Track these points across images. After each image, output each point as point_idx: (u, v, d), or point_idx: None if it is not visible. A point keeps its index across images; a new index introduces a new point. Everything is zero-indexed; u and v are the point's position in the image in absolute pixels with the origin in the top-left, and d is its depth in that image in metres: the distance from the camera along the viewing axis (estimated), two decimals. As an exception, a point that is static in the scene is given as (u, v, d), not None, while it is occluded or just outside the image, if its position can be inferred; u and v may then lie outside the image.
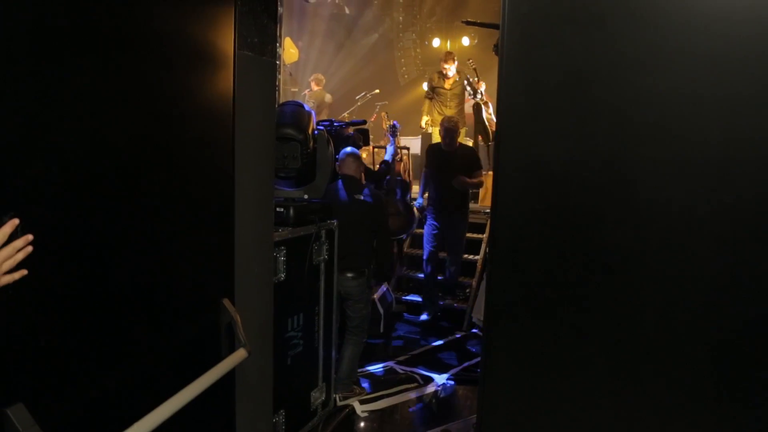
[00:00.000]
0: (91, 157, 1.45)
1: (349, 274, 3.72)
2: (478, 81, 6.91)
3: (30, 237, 1.17)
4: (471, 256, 5.81)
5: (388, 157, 5.33)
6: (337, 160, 3.86)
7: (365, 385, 4.06)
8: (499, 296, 1.83)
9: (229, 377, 2.06)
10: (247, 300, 2.23)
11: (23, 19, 1.25)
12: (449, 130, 5.27)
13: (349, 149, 3.96)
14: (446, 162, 5.25)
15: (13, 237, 1.15)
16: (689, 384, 1.63)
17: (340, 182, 3.80)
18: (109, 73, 1.49)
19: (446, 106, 7.13)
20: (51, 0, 1.32)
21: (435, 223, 5.37)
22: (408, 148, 7.17)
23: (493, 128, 6.63)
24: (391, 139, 5.41)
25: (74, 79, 1.39)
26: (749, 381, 1.57)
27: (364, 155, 7.93)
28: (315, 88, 8.31)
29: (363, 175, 4.16)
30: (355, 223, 3.69)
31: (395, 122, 5.62)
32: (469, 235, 5.70)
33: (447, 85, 7.09)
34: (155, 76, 1.67)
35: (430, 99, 7.26)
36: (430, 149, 5.62)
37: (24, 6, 1.25)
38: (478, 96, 6.77)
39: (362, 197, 3.78)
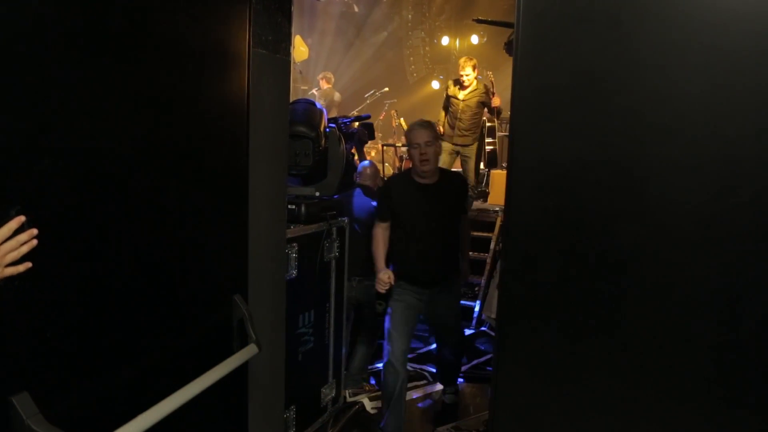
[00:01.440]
0: (108, 154, 1.47)
1: (368, 282, 3.75)
2: (494, 95, 6.22)
3: (35, 231, 1.18)
4: (480, 254, 5.81)
5: None
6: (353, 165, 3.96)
7: (374, 382, 4.08)
8: (513, 294, 1.84)
9: (241, 373, 2.09)
10: (260, 296, 2.25)
11: (40, 17, 1.27)
12: (424, 138, 3.04)
13: (367, 162, 4.11)
14: (426, 200, 3.14)
15: (19, 231, 1.17)
16: (701, 384, 1.63)
17: (359, 191, 3.85)
18: (125, 70, 1.51)
19: (458, 119, 6.24)
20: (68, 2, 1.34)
21: (413, 299, 3.20)
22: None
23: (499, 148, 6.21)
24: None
25: (91, 78, 1.41)
26: (760, 382, 1.57)
27: (372, 153, 7.98)
28: (325, 86, 8.33)
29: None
30: (371, 230, 3.73)
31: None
32: (477, 233, 5.66)
33: (461, 95, 6.21)
34: (171, 74, 1.69)
35: (445, 110, 6.49)
36: (390, 185, 3.38)
37: (40, 4, 1.27)
38: (494, 113, 6.18)
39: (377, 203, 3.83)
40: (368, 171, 4.12)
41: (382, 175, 6.62)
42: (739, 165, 1.54)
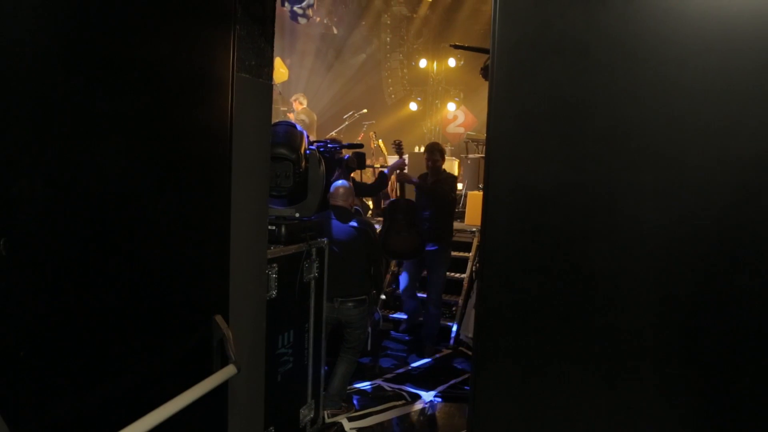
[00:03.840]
0: (90, 174, 1.49)
1: (350, 303, 3.78)
2: None
3: None
4: (457, 275, 5.88)
5: (387, 170, 5.23)
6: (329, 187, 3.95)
7: (353, 402, 4.08)
8: (490, 313, 1.89)
9: (221, 393, 2.09)
10: (240, 316, 2.26)
11: (22, 41, 1.30)
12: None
13: (339, 182, 4.04)
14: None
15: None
16: (667, 393, 1.69)
17: (331, 213, 3.87)
18: (108, 94, 1.54)
19: None
20: (52, 24, 1.37)
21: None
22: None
23: None
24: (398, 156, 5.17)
25: (76, 99, 1.43)
26: (721, 389, 1.64)
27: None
28: (299, 107, 8.36)
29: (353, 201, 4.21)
30: (350, 251, 3.78)
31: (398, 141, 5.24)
32: (455, 253, 5.74)
33: None
34: (155, 99, 1.72)
35: None
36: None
37: (22, 27, 1.30)
38: None
39: (354, 223, 3.85)
40: (341, 191, 3.96)
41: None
42: (703, 190, 1.62)
